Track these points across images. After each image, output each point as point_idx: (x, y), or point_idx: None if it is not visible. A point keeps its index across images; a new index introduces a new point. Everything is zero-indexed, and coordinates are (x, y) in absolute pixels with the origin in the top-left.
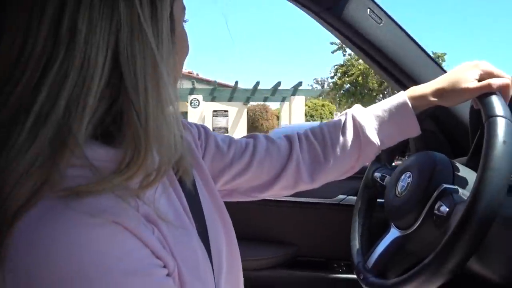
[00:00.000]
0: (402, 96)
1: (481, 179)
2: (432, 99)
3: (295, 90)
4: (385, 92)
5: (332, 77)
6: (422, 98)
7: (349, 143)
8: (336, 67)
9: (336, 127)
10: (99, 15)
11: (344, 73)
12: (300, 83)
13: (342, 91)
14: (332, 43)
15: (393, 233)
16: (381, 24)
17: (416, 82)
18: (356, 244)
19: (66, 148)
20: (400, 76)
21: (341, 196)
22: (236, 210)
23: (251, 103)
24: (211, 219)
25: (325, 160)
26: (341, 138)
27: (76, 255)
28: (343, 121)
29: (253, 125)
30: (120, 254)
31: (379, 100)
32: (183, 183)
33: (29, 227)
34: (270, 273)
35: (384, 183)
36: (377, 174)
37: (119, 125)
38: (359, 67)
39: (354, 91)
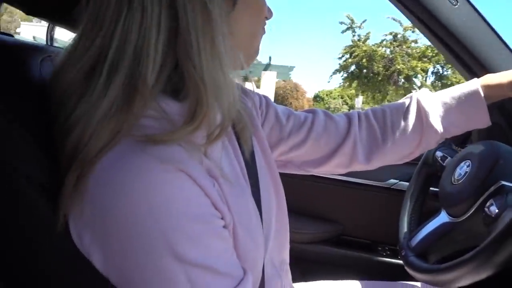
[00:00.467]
0: (475, 84)
1: None
2: (508, 90)
3: (268, 66)
4: (393, 77)
5: (340, 58)
6: (497, 87)
7: (410, 128)
8: (345, 48)
9: (398, 110)
10: None
11: (351, 54)
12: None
13: (346, 73)
14: (341, 23)
15: (443, 217)
16: (457, 6)
17: (488, 71)
18: (405, 219)
19: (138, 94)
20: (472, 63)
21: (392, 181)
22: (288, 183)
23: (280, 80)
24: (265, 184)
25: (383, 143)
26: (402, 122)
27: (146, 196)
28: (406, 105)
29: (282, 103)
30: (184, 200)
31: (384, 85)
32: (242, 147)
33: (107, 167)
34: (314, 248)
35: (444, 164)
36: (438, 153)
37: (183, 81)
38: (363, 48)
39: (359, 74)
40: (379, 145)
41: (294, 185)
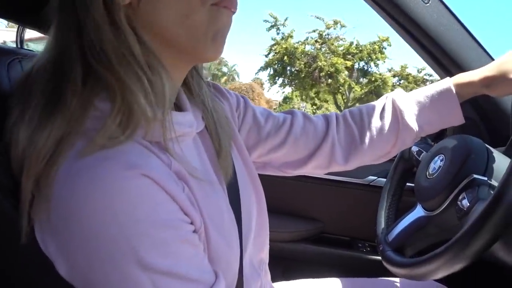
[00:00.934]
0: (447, 83)
1: (507, 179)
2: (479, 87)
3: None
4: (314, 74)
5: (266, 56)
6: (469, 85)
7: (387, 127)
8: (270, 46)
9: (375, 110)
10: None
11: (274, 52)
12: None
13: (272, 70)
14: (265, 21)
15: (418, 211)
16: (428, 4)
17: (461, 68)
18: (382, 214)
19: (67, 95)
20: (445, 60)
21: (371, 177)
22: (266, 182)
23: (238, 82)
24: (244, 184)
25: (361, 143)
26: (379, 122)
27: (110, 203)
28: (382, 105)
29: None
30: (149, 206)
31: (308, 83)
32: (216, 147)
33: (69, 173)
34: (294, 246)
35: (419, 158)
36: (414, 148)
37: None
38: (283, 45)
39: (282, 71)
40: (357, 146)
41: (273, 183)
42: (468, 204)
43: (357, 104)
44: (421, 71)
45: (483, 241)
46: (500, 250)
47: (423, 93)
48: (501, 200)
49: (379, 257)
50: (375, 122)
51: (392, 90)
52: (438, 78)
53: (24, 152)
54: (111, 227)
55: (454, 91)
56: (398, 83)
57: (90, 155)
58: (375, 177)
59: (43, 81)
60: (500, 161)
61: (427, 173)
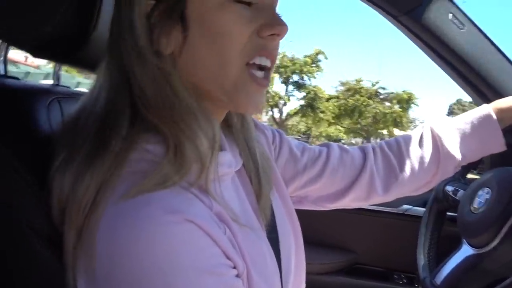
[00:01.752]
0: (486, 108)
1: None
2: None
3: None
4: None
5: None
6: (509, 110)
7: (427, 156)
8: None
9: (413, 139)
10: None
11: None
12: None
13: None
14: None
15: (466, 250)
16: (463, 30)
17: (498, 93)
18: (422, 258)
19: (112, 140)
20: (482, 86)
21: (406, 206)
22: (298, 212)
23: None
24: (282, 223)
25: (401, 173)
26: (418, 150)
27: (152, 251)
28: (420, 133)
29: None
30: (193, 252)
31: None
32: (254, 185)
33: (111, 223)
34: (328, 278)
35: (457, 197)
36: (449, 188)
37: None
38: None
39: None
40: (397, 176)
41: (304, 214)
42: None
43: (294, 118)
44: (375, 85)
45: None
46: None
47: (462, 120)
48: None
49: None
50: (415, 151)
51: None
52: (391, 91)
53: (65, 201)
54: (154, 275)
55: (495, 117)
56: (352, 96)
57: (131, 200)
58: (410, 206)
59: (92, 127)
60: None
61: (472, 208)
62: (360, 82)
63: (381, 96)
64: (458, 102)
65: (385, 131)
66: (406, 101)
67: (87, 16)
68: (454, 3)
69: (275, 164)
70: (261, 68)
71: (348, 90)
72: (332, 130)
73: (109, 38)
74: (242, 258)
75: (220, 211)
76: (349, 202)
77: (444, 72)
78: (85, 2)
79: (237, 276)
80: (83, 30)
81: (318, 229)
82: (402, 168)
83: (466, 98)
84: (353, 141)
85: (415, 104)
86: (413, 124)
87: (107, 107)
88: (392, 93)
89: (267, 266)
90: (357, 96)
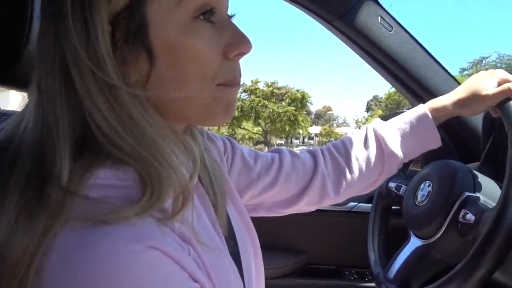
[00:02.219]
0: (422, 108)
1: (510, 185)
2: (453, 109)
3: None
4: None
5: None
6: (443, 109)
7: (373, 156)
8: None
9: (358, 140)
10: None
11: None
12: None
13: None
14: None
15: (414, 242)
16: (392, 31)
17: (430, 92)
18: (373, 254)
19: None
20: (412, 85)
21: (352, 204)
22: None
23: None
24: (241, 237)
25: (350, 174)
26: (364, 151)
27: (118, 283)
28: (364, 135)
29: None
30: (160, 280)
31: None
32: (211, 199)
33: (67, 252)
34: (282, 281)
35: (400, 193)
36: (392, 184)
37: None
38: None
39: None
40: (346, 177)
41: (254, 219)
42: (474, 216)
43: None
44: (270, 86)
45: (503, 243)
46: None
47: (401, 120)
48: (507, 204)
49: (368, 284)
50: (361, 152)
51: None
52: (285, 91)
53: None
54: None
55: (431, 116)
56: (247, 98)
57: (88, 231)
58: (356, 203)
59: (26, 163)
60: (481, 177)
61: (416, 202)
62: (257, 83)
63: (276, 97)
64: (375, 98)
65: (301, 130)
66: (300, 100)
67: (18, 31)
68: (382, 7)
69: (227, 175)
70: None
71: (244, 91)
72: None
73: (44, 57)
74: (208, 278)
75: (182, 232)
76: (303, 206)
77: (371, 70)
78: (15, 17)
79: None
80: (15, 46)
81: (269, 233)
82: (350, 170)
83: (381, 94)
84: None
85: (310, 103)
86: (313, 120)
87: (45, 137)
88: (286, 92)
89: (231, 282)
90: (253, 97)
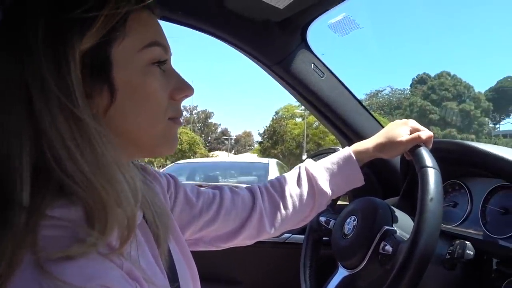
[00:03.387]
0: (348, 150)
1: (420, 220)
2: (373, 152)
3: None
4: None
5: None
6: (365, 152)
7: (305, 193)
8: None
9: (292, 179)
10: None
11: None
12: None
13: None
14: None
15: (341, 273)
16: (324, 77)
17: (356, 133)
18: (304, 285)
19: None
20: (342, 126)
21: (286, 235)
22: None
23: None
24: (182, 270)
25: (285, 209)
26: (297, 189)
27: None
28: (297, 173)
29: None
30: None
31: None
32: (154, 235)
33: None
34: None
35: (329, 226)
36: (322, 218)
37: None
38: None
39: None
40: (282, 213)
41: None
42: (392, 248)
43: None
44: None
45: (415, 271)
46: None
47: (330, 161)
48: (420, 235)
49: None
50: (294, 190)
51: None
52: None
53: None
54: None
55: (354, 158)
56: None
57: (41, 269)
58: (290, 234)
59: None
60: (398, 212)
61: (343, 235)
62: None
63: None
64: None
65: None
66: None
67: None
68: (315, 55)
69: (170, 211)
70: None
71: None
72: None
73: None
74: None
75: (130, 269)
76: (241, 240)
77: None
78: None
79: None
80: None
81: (206, 264)
82: (285, 206)
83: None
84: None
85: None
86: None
87: (6, 163)
88: None
89: None
90: None
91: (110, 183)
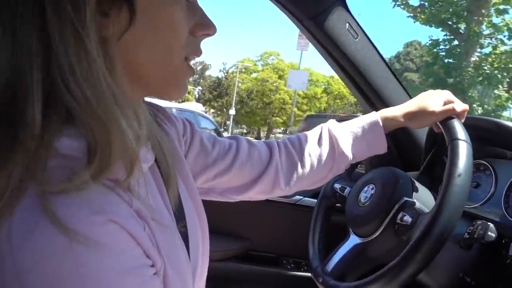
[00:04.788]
0: (375, 116)
1: (446, 193)
2: (402, 120)
3: None
4: None
5: None
6: (393, 119)
7: (325, 154)
8: None
9: (312, 138)
10: None
11: None
12: None
13: None
14: None
15: (353, 240)
16: (357, 39)
17: (383, 101)
18: (312, 249)
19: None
20: (369, 92)
21: (298, 197)
22: None
23: None
24: (191, 217)
25: (302, 168)
26: (317, 149)
27: (73, 252)
28: (319, 133)
29: None
30: (117, 254)
31: None
32: (164, 179)
33: (24, 221)
34: (224, 265)
35: (344, 194)
36: (337, 185)
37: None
38: None
39: None
40: (298, 171)
41: (202, 201)
42: (411, 219)
43: None
44: None
45: (433, 245)
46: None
47: (355, 124)
48: (444, 208)
49: (303, 273)
50: (314, 150)
51: None
52: None
53: None
54: (75, 279)
55: (381, 124)
56: None
57: (50, 201)
58: (301, 197)
59: None
60: (419, 185)
61: (359, 203)
62: None
63: None
64: None
65: None
66: None
67: None
68: (351, 14)
69: (183, 157)
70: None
71: None
72: None
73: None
74: (159, 255)
75: (139, 208)
76: (254, 194)
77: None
78: None
79: (155, 273)
80: None
81: (215, 218)
82: (303, 165)
83: None
84: None
85: None
86: None
87: (10, 85)
88: None
89: (181, 261)
90: None
91: (114, 117)
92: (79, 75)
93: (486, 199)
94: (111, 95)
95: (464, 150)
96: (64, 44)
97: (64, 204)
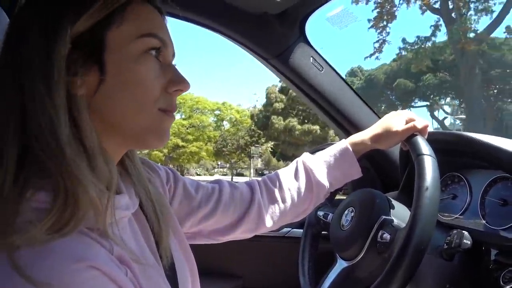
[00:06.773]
0: (344, 143)
1: (417, 206)
2: (370, 143)
3: None
4: None
5: None
6: (361, 143)
7: (303, 186)
8: None
9: (289, 173)
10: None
11: None
12: None
13: None
14: None
15: (340, 264)
16: (323, 71)
17: (355, 126)
18: (303, 279)
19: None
20: (341, 119)
21: (286, 229)
22: None
23: None
24: (179, 261)
25: (284, 203)
26: (295, 182)
27: None
28: (295, 167)
29: None
30: None
31: None
32: (152, 226)
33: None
34: None
35: (327, 220)
36: (320, 213)
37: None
38: None
39: None
40: (280, 207)
41: (192, 244)
42: (390, 235)
43: None
44: None
45: (413, 257)
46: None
47: (327, 153)
48: (417, 222)
49: None
50: (293, 184)
51: None
52: None
53: None
54: None
55: (351, 150)
56: None
57: (29, 251)
58: (290, 229)
59: None
60: (395, 203)
61: (342, 226)
62: None
63: None
64: None
65: None
66: None
67: None
68: (313, 49)
69: (169, 204)
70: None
71: None
72: None
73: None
74: None
75: (120, 254)
76: (240, 234)
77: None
78: None
79: None
80: None
81: (206, 258)
82: (283, 199)
83: None
84: None
85: None
86: None
87: None
88: None
89: None
90: None
91: (80, 168)
92: (46, 130)
93: (464, 209)
94: (76, 149)
95: (429, 164)
96: (36, 104)
97: (44, 255)
